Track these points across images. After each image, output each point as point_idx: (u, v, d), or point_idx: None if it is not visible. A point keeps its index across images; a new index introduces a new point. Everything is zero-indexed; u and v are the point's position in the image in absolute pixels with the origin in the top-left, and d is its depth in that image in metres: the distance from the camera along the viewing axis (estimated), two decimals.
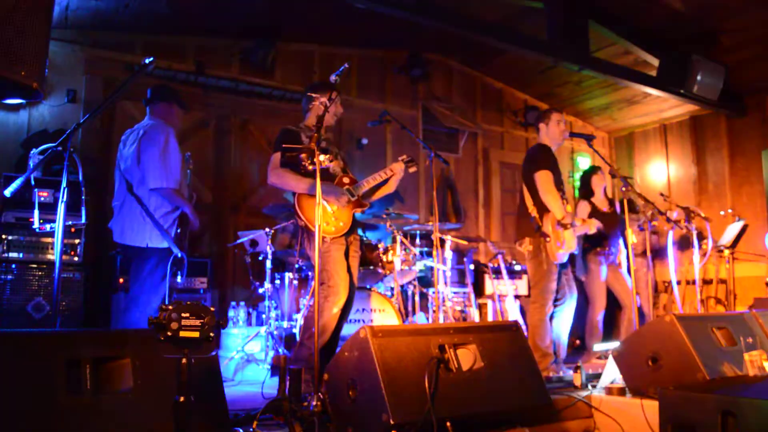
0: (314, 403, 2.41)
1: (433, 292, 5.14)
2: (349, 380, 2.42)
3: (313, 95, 3.73)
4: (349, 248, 3.60)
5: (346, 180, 3.63)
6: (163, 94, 3.82)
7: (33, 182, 4.13)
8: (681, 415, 2.32)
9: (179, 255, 3.48)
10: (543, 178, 4.15)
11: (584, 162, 8.46)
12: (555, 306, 4.22)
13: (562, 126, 4.35)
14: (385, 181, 3.76)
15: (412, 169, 3.83)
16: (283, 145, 3.45)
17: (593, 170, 5.50)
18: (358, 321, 4.50)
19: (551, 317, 4.20)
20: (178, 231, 3.59)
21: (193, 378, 1.87)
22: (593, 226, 4.38)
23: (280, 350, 4.47)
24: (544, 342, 4.09)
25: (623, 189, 3.93)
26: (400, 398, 2.24)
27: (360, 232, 4.03)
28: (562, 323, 4.28)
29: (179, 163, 3.62)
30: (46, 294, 4.27)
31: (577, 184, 6.60)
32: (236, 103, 6.11)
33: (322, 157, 2.93)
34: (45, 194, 4.34)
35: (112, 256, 4.79)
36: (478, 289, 6.37)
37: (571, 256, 4.45)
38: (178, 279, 3.64)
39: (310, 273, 4.85)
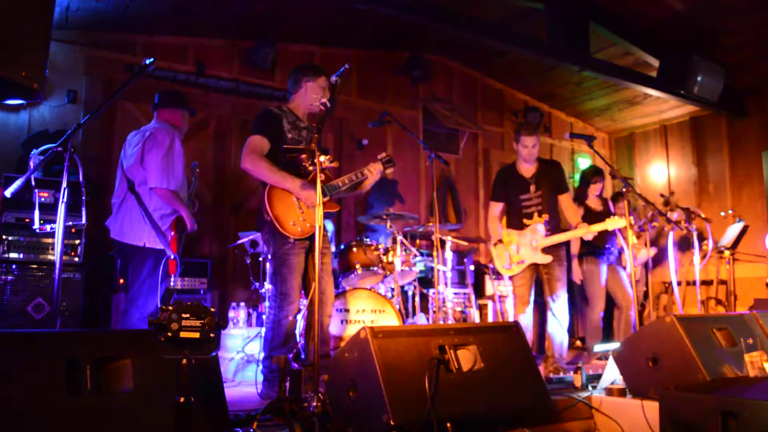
0: (314, 403, 2.41)
1: (434, 293, 5.14)
2: (349, 381, 2.42)
3: (301, 77, 3.53)
4: (311, 248, 3.40)
5: (321, 177, 3.56)
6: (170, 100, 3.85)
7: (33, 183, 4.12)
8: (681, 416, 2.32)
9: (173, 257, 3.49)
10: (489, 209, 4.61)
11: (584, 162, 8.46)
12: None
13: (532, 149, 4.40)
14: (361, 182, 3.57)
15: (389, 170, 3.58)
16: (284, 146, 3.43)
17: (593, 178, 5.49)
18: (358, 321, 4.49)
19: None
20: (173, 234, 3.61)
21: (193, 379, 1.87)
22: (587, 233, 4.22)
23: None
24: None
25: (624, 190, 3.93)
26: (401, 399, 2.24)
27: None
28: (552, 323, 4.30)
29: (182, 167, 3.65)
30: (46, 294, 4.26)
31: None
32: (236, 103, 6.11)
33: (322, 158, 2.92)
34: (45, 195, 4.34)
35: (112, 257, 4.79)
36: (479, 290, 6.37)
37: (568, 255, 4.59)
38: (173, 282, 3.65)
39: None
